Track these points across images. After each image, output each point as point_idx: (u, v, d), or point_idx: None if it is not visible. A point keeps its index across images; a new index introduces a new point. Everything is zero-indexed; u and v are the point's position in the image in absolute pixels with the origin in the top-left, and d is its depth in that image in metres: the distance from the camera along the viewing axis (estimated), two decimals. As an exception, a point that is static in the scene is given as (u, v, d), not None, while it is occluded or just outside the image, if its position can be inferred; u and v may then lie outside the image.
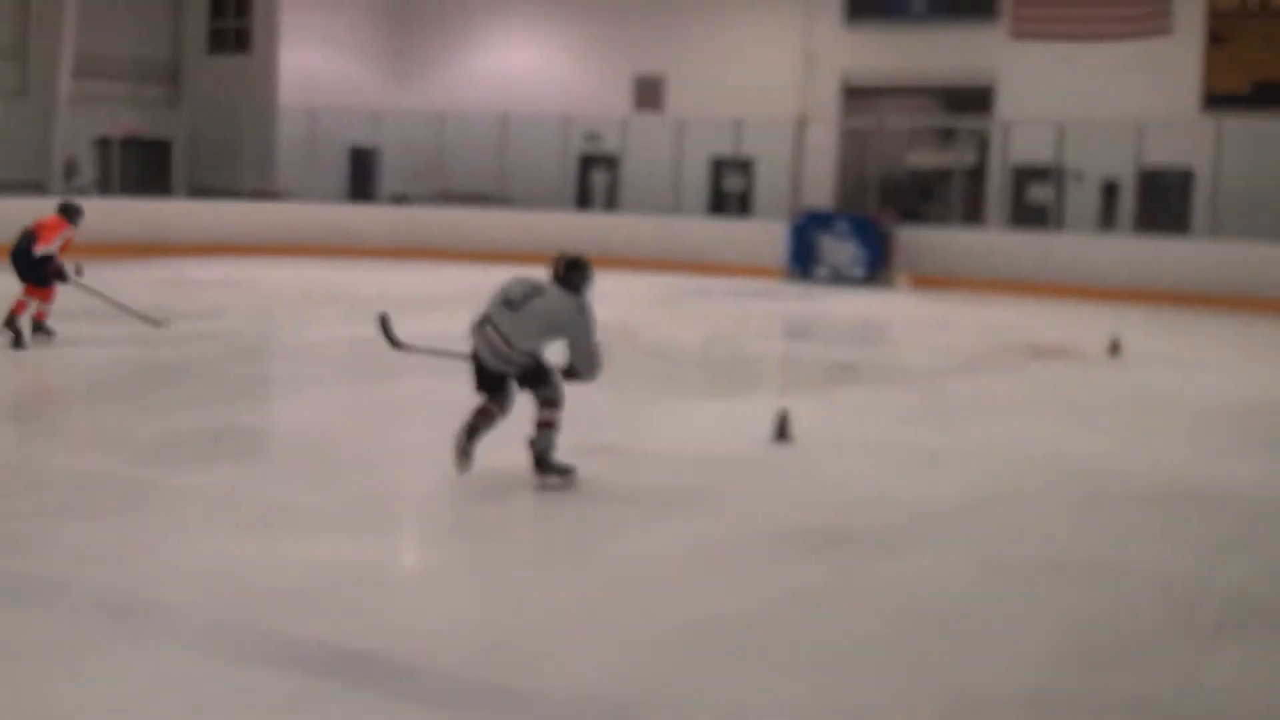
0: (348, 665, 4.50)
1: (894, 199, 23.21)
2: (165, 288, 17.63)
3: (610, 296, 18.35)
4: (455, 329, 14.51)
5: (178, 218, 23.83)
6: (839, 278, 21.59)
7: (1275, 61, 22.05)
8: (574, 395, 10.41)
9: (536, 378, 7.08)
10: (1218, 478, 7.89)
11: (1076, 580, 5.72)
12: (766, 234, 22.80)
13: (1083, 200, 22.66)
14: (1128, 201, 22.39)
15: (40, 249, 11.55)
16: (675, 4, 26.33)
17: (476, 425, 7.04)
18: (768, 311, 17.87)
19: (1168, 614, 5.29)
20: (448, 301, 17.26)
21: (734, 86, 25.23)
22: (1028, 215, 22.87)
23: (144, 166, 26.28)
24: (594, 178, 26.96)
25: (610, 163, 26.70)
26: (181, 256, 21.07)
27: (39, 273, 11.66)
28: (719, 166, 25.55)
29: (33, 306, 11.76)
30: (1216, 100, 22.28)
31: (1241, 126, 20.81)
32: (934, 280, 21.15)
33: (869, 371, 12.81)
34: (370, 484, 7.13)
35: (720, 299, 18.85)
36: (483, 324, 7.06)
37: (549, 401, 7.05)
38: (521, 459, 7.06)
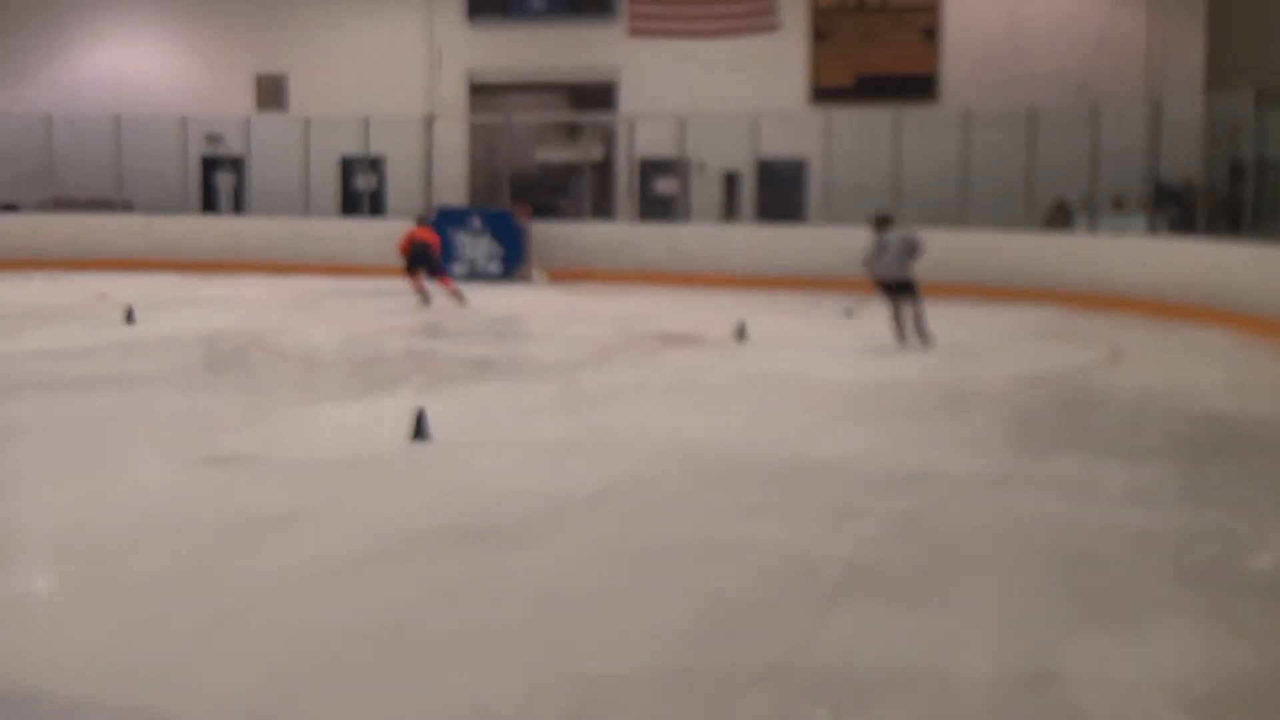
0: (-41, 704, 4.25)
1: (525, 194, 23.46)
2: None
3: (242, 301, 18.06)
4: (76, 340, 13.94)
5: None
6: (476, 274, 21.67)
7: (875, 55, 23.45)
8: (204, 405, 10.16)
9: None
10: (831, 453, 8.33)
11: (703, 558, 5.94)
12: (399, 233, 22.60)
13: (706, 191, 23.51)
14: (748, 191, 23.35)
15: None
16: (294, 1, 25.82)
17: None
18: (404, 311, 17.75)
19: (785, 584, 5.56)
20: (66, 312, 16.47)
21: (359, 85, 24.98)
22: (655, 207, 23.57)
23: None
24: (218, 180, 26.14)
25: (235, 164, 25.95)
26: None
27: None
28: (348, 165, 25.22)
29: None
30: (824, 93, 23.54)
31: (847, 117, 22.00)
32: (568, 274, 21.52)
33: (506, 366, 12.92)
34: (-20, 511, 6.73)
35: (356, 300, 18.63)
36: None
37: None
38: (151, 478, 6.80)
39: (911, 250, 13.69)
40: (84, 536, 6.28)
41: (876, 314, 14.24)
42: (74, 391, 10.60)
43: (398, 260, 18.27)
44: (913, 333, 13.69)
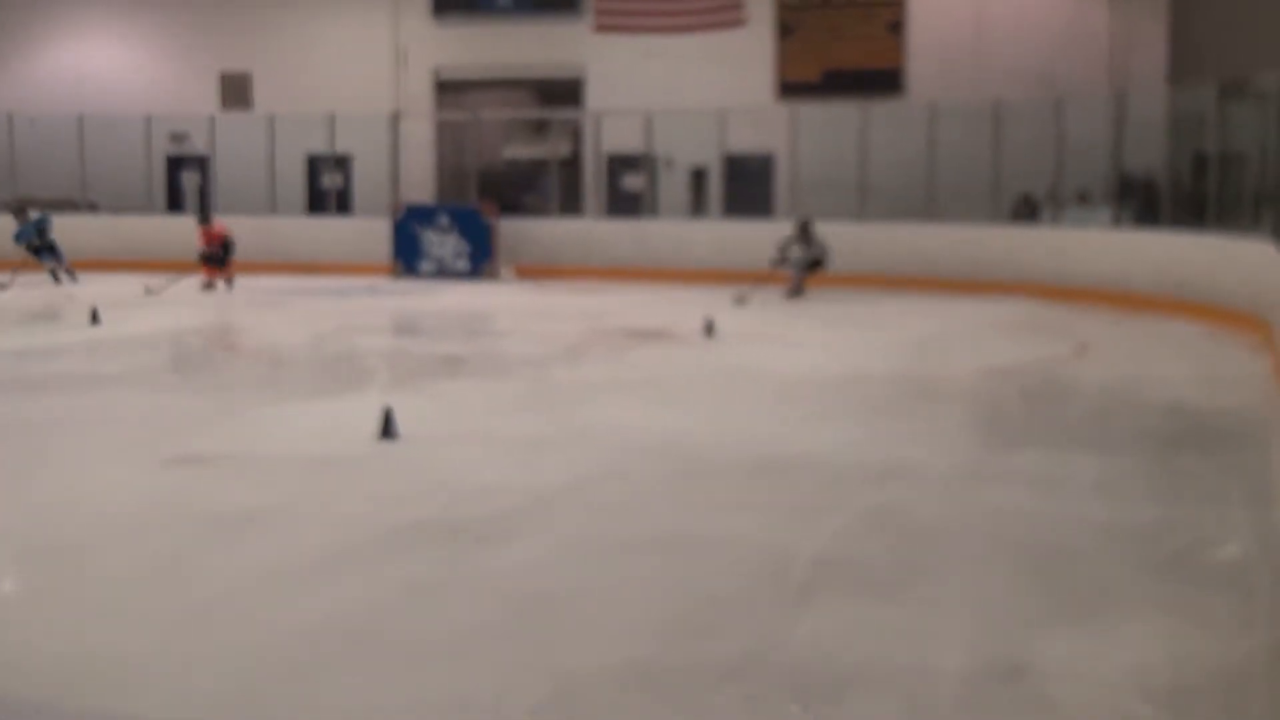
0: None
1: (493, 191, 23.41)
2: None
3: (208, 300, 17.93)
4: (41, 341, 13.85)
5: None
6: (444, 271, 21.63)
7: (840, 50, 23.51)
8: (171, 405, 10.11)
9: None
10: (801, 447, 8.34)
11: (673, 553, 5.94)
12: (368, 231, 22.60)
13: (673, 187, 23.53)
14: (715, 186, 23.37)
15: None
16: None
17: None
18: (373, 308, 17.72)
19: (758, 579, 5.56)
20: (31, 312, 16.36)
21: (325, 83, 24.88)
22: (623, 203, 23.56)
23: None
24: (184, 179, 26.00)
25: (200, 163, 25.81)
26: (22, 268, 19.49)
27: None
28: (314, 164, 25.12)
29: None
30: (790, 88, 23.59)
31: (814, 112, 22.04)
32: (536, 270, 21.50)
33: (475, 363, 12.89)
34: (-55, 514, 6.68)
35: (324, 298, 18.57)
36: None
37: None
38: (116, 478, 6.75)
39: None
40: (49, 536, 6.23)
41: (844, 310, 14.28)
42: (39, 392, 10.52)
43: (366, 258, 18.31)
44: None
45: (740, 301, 16.81)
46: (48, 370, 11.67)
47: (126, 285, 19.22)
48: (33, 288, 19.22)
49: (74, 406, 9.94)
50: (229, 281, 19.45)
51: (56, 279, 20.34)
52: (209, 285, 19.26)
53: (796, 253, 18.42)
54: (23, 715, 4.14)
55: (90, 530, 6.34)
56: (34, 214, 20.69)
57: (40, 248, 20.49)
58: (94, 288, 17.76)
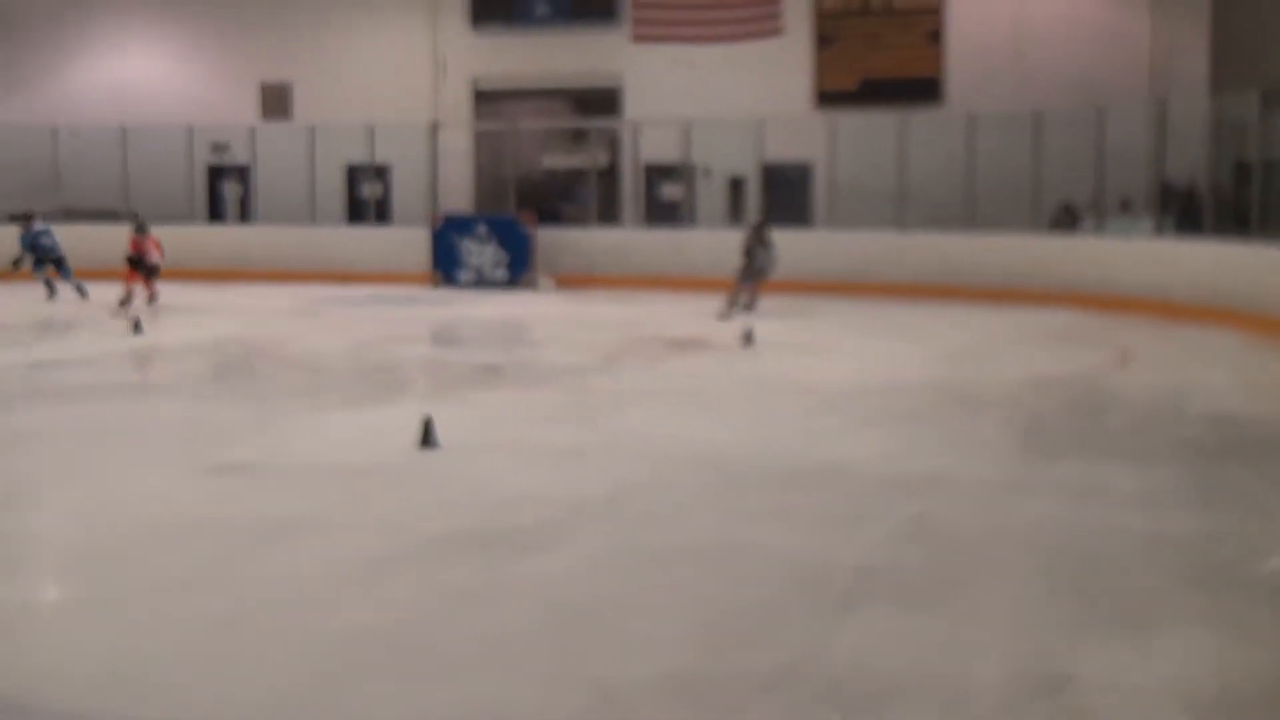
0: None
1: (531, 201, 23.46)
2: None
3: (249, 309, 18.09)
4: (84, 350, 13.97)
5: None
6: (483, 281, 21.69)
7: (879, 59, 23.45)
8: (212, 413, 10.18)
9: None
10: (841, 457, 8.32)
11: (712, 563, 5.93)
12: (406, 240, 22.69)
13: (711, 196, 23.51)
14: (753, 195, 23.34)
15: None
16: (299, 10, 25.88)
17: None
18: (412, 318, 17.78)
19: (797, 589, 5.55)
20: (75, 321, 16.49)
21: (364, 93, 25.00)
22: (660, 212, 23.56)
23: None
24: (225, 189, 26.19)
25: (241, 173, 25.99)
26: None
27: None
28: (354, 173, 25.24)
29: None
30: (828, 97, 23.52)
31: (852, 121, 22.00)
32: (574, 279, 21.52)
33: (514, 373, 12.93)
34: (-11, 520, 6.74)
35: (363, 307, 18.65)
36: None
37: None
38: (158, 485, 6.81)
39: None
40: (93, 544, 6.28)
41: (883, 320, 14.24)
42: (83, 401, 10.61)
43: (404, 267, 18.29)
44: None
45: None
46: (91, 379, 11.76)
47: (170, 294, 19.35)
48: (73, 295, 19.38)
49: (116, 415, 10.02)
50: (152, 297, 18.51)
51: (51, 290, 19.69)
52: (126, 301, 17.92)
53: (762, 258, 17.50)
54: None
55: (132, 537, 6.38)
56: (38, 224, 20.07)
57: (42, 258, 19.77)
58: (136, 298, 17.89)
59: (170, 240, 23.35)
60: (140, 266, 18.30)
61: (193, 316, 17.24)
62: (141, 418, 9.99)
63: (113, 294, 18.13)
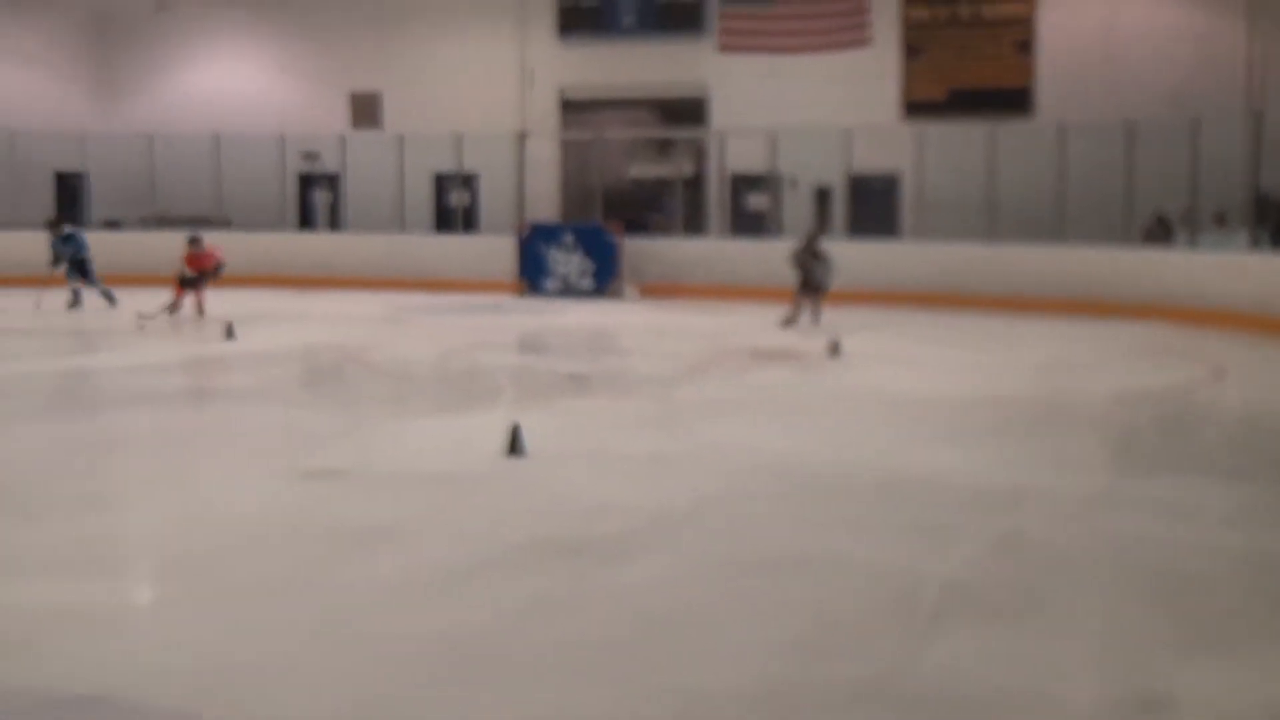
0: (65, 710, 4.33)
1: (617, 210, 23.53)
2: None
3: (338, 316, 18.27)
4: (179, 354, 14.21)
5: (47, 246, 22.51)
6: (569, 290, 21.78)
7: (968, 69, 23.27)
8: (302, 419, 10.31)
9: None
10: (928, 469, 8.25)
11: (798, 574, 5.91)
12: (494, 248, 22.83)
13: (797, 206, 23.43)
14: (840, 206, 23.25)
15: None
16: (389, 20, 26.16)
17: None
18: (498, 326, 17.89)
19: (884, 602, 5.51)
20: (168, 326, 16.75)
21: (452, 102, 25.21)
22: (746, 222, 23.52)
23: None
24: (314, 197, 26.52)
25: (330, 181, 26.31)
26: (54, 285, 20.02)
27: None
28: (442, 182, 25.46)
29: None
30: (916, 107, 23.38)
31: (940, 132, 21.85)
32: (660, 289, 21.54)
33: (600, 382, 12.97)
34: (87, 522, 6.86)
35: (450, 315, 18.79)
36: None
37: None
38: (250, 490, 6.90)
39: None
40: (185, 548, 6.38)
41: (972, 331, 14.11)
42: (175, 405, 10.79)
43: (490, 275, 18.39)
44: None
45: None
46: (184, 384, 11.96)
47: (261, 301, 19.64)
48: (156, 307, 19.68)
49: (208, 420, 10.18)
50: (201, 309, 17.61)
51: (76, 299, 19.14)
52: (175, 308, 17.46)
53: (819, 272, 16.93)
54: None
55: (224, 542, 6.47)
56: (66, 229, 19.58)
57: (71, 263, 19.19)
58: (228, 304, 18.15)
59: (261, 247, 23.78)
60: (199, 280, 17.65)
61: (283, 323, 17.47)
62: (233, 423, 10.13)
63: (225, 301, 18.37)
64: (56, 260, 19.11)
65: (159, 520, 6.93)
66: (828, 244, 17.60)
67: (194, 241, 17.92)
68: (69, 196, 26.58)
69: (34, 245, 20.14)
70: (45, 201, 26.19)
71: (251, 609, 5.41)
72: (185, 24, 27.51)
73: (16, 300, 18.34)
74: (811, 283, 16.71)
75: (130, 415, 10.48)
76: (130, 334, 15.69)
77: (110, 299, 18.98)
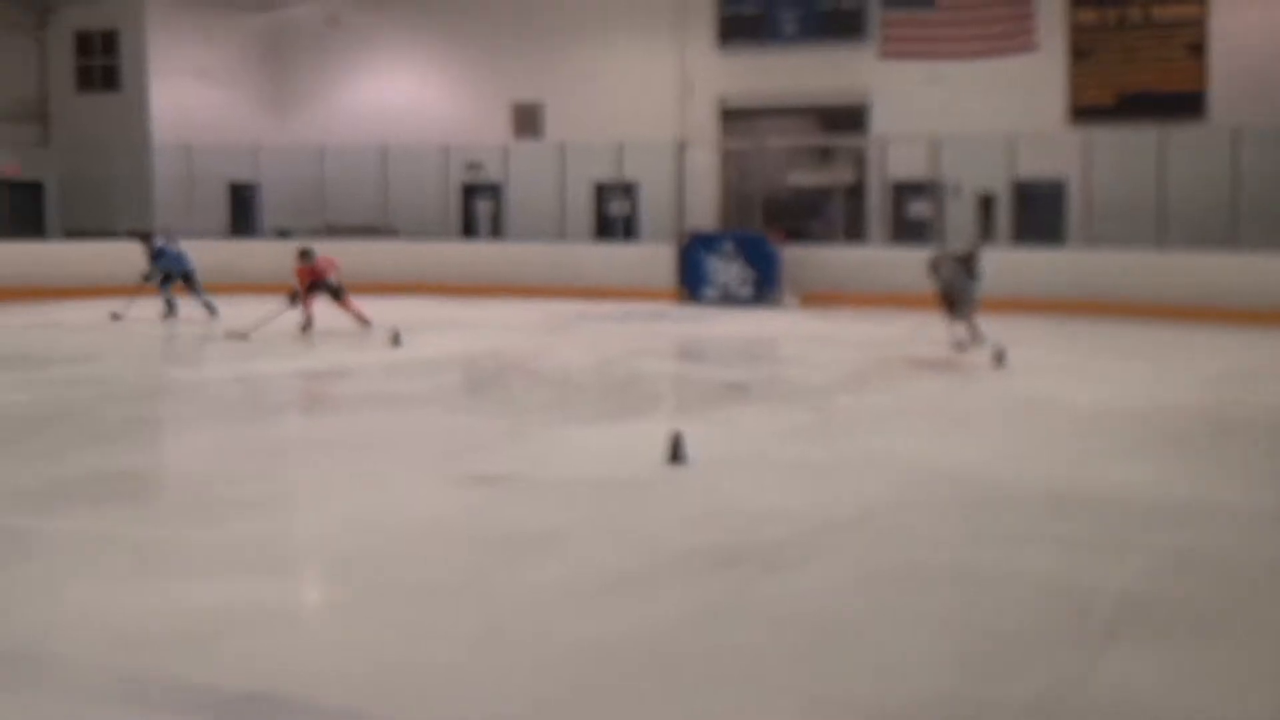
0: (241, 707, 4.45)
1: (778, 218, 23.44)
2: (40, 331, 17.28)
3: (501, 324, 18.51)
4: (347, 361, 14.51)
5: (52, 259, 23.41)
6: (728, 298, 21.76)
7: (1137, 73, 22.69)
8: (466, 425, 10.46)
9: None
10: (1101, 482, 8.06)
11: (966, 587, 5.82)
12: (653, 257, 22.91)
13: (961, 213, 23.09)
14: (1004, 213, 22.86)
15: None
16: (550, 31, 26.43)
17: None
18: (658, 334, 17.95)
19: (1057, 617, 5.39)
20: (337, 333, 17.13)
21: (612, 111, 25.36)
22: (908, 230, 23.25)
23: (16, 209, 25.77)
24: (477, 206, 26.93)
25: (493, 191, 26.69)
26: (57, 299, 20.66)
27: None
28: (602, 191, 25.65)
29: None
30: (1083, 112, 22.87)
31: (1109, 137, 21.36)
32: (820, 297, 21.40)
33: (760, 390, 12.93)
34: (261, 523, 7.06)
35: (610, 323, 18.91)
36: None
37: None
38: (416, 494, 7.00)
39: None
40: (354, 551, 6.51)
41: (1142, 341, 13.76)
42: (343, 411, 11.03)
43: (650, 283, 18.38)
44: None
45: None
46: (352, 390, 12.21)
47: (425, 309, 19.98)
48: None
49: (376, 425, 10.37)
50: (362, 320, 17.07)
51: (170, 309, 19.01)
52: (308, 325, 16.88)
53: (972, 290, 14.71)
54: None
55: (391, 545, 6.59)
56: (158, 240, 19.34)
57: (169, 275, 19.03)
58: (393, 312, 18.52)
59: (425, 256, 24.25)
60: (311, 293, 17.00)
61: (447, 331, 17.74)
62: (400, 429, 10.32)
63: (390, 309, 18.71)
64: (150, 274, 18.99)
65: (329, 523, 7.09)
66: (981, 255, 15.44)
67: (304, 255, 17.34)
68: (242, 207, 27.43)
69: (210, 254, 20.80)
70: (220, 212, 27.09)
71: (418, 612, 5.50)
72: (354, 39, 28.16)
73: (190, 310, 18.87)
74: (964, 302, 14.75)
75: (302, 420, 10.76)
76: (300, 341, 16.07)
77: (212, 309, 18.89)
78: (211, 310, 18.91)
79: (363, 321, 17.07)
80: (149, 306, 18.69)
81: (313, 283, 17.03)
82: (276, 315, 16.52)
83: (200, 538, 6.70)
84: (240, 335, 16.02)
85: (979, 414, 11.09)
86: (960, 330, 14.56)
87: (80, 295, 21.62)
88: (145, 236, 19.58)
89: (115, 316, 18.47)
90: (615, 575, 5.98)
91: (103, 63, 27.22)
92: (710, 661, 4.86)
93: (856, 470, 8.46)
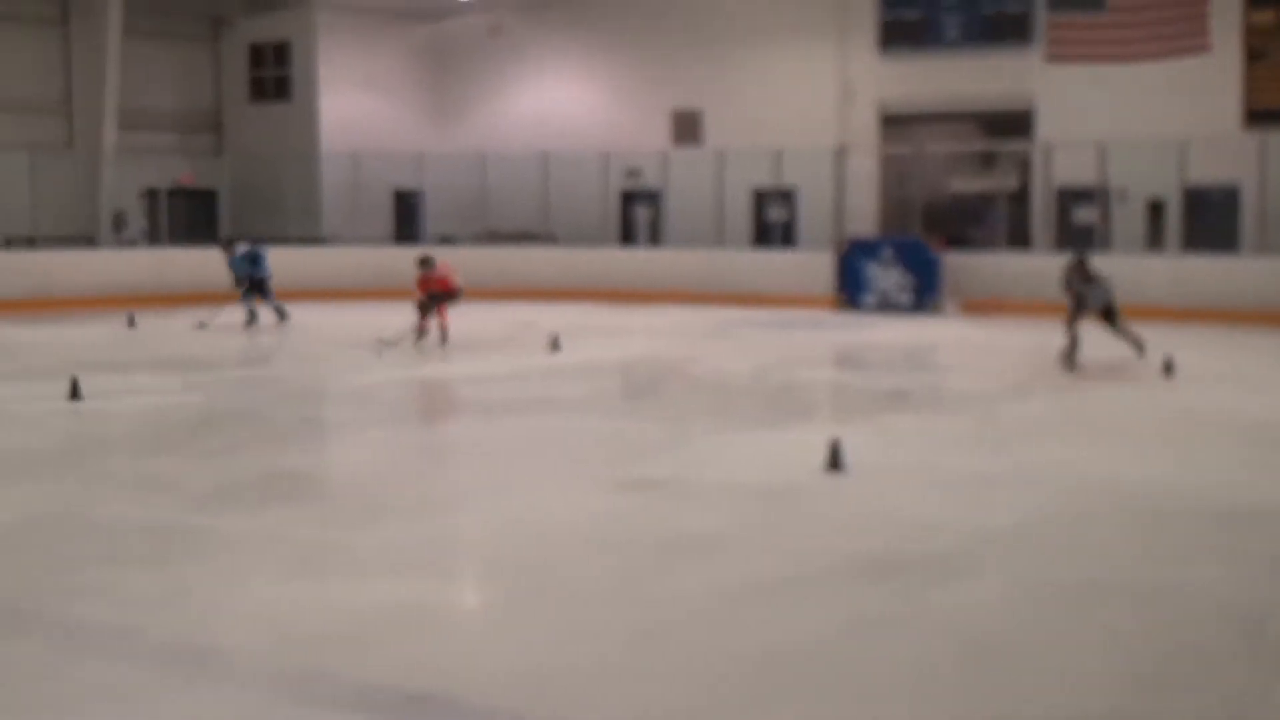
0: (406, 705, 4.52)
1: (938, 225, 23.13)
2: (214, 334, 17.79)
3: (659, 330, 18.57)
4: (507, 366, 14.69)
5: (225, 265, 24.10)
6: (887, 305, 21.54)
7: (1317, 75, 21.91)
8: (623, 430, 10.51)
9: None
10: (1273, 496, 7.80)
11: (1135, 603, 5.66)
12: (812, 264, 22.76)
13: (1128, 220, 22.53)
14: (1174, 220, 22.24)
15: None
16: (710, 38, 26.44)
17: None
18: (816, 341, 17.83)
19: (1230, 635, 5.23)
20: (498, 339, 17.37)
21: (772, 118, 25.28)
22: (1073, 236, 22.73)
23: (191, 216, 26.63)
24: (636, 213, 27.07)
25: (652, 197, 26.80)
26: (229, 303, 21.22)
27: None
28: (760, 197, 25.58)
29: None
30: (1259, 115, 22.13)
31: (1286, 141, 20.68)
32: (982, 305, 21.06)
33: (920, 398, 12.77)
34: (421, 525, 7.17)
35: (769, 330, 18.84)
36: None
37: None
38: (574, 498, 7.04)
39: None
40: (513, 553, 6.58)
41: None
42: (504, 415, 11.14)
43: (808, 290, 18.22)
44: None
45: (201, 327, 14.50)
46: (511, 395, 12.34)
47: (584, 314, 20.13)
48: (497, 314, 20.36)
49: (535, 429, 10.47)
50: (443, 332, 16.30)
51: (252, 318, 18.91)
52: (422, 333, 16.16)
53: (1097, 294, 14.41)
54: None
55: (550, 548, 6.65)
56: (241, 247, 19.27)
57: (251, 283, 18.96)
58: (552, 318, 18.69)
59: (584, 262, 24.45)
60: (440, 300, 16.17)
61: (605, 336, 17.84)
62: (559, 433, 10.40)
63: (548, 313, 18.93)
64: (237, 281, 19.06)
65: (488, 526, 7.17)
66: (1100, 264, 15.27)
67: (423, 263, 16.50)
68: (406, 213, 27.96)
69: (374, 260, 21.21)
70: (385, 218, 27.65)
71: (575, 614, 5.53)
72: (516, 48, 28.53)
73: (357, 314, 19.28)
74: (1084, 306, 14.38)
75: (463, 423, 10.92)
76: (461, 348, 16.29)
77: (282, 314, 19.03)
78: (281, 315, 19.01)
79: (442, 333, 16.21)
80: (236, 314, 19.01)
81: (433, 293, 16.18)
82: (419, 325, 16.14)
83: (363, 539, 6.83)
84: (390, 343, 15.84)
85: (1148, 425, 10.80)
86: (1079, 344, 14.11)
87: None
88: (229, 244, 19.55)
89: (201, 325, 18.45)
90: (771, 582, 5.95)
91: (275, 74, 28.01)
92: (866, 673, 4.81)
93: (1019, 481, 8.29)
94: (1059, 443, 9.81)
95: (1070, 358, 14.01)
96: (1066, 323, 14.29)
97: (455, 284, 16.31)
